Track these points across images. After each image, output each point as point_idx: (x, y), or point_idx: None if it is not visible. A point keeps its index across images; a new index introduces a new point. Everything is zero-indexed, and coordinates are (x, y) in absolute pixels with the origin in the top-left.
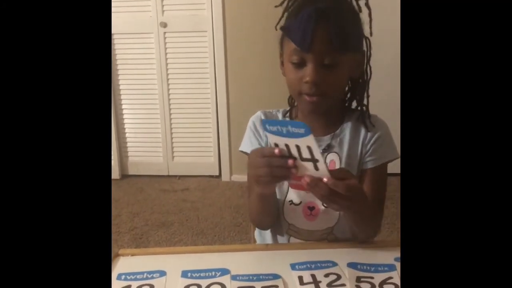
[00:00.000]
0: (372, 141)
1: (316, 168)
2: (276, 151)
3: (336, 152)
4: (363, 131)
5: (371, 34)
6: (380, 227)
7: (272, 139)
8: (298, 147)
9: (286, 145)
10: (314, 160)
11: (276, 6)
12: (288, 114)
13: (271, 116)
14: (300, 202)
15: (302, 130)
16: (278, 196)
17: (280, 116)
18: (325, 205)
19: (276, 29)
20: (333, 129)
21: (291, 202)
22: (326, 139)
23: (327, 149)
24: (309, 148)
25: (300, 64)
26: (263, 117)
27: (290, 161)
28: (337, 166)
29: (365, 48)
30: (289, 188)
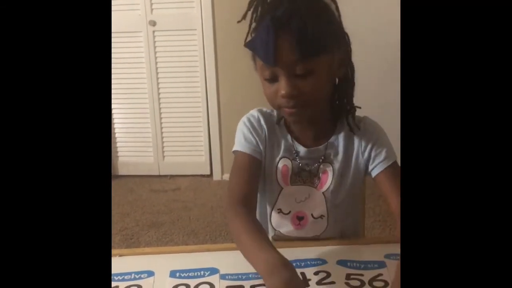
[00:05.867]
0: (369, 147)
1: None
2: None
3: (329, 163)
4: (357, 138)
5: None
6: None
7: None
8: None
9: None
10: None
11: (238, 22)
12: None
13: (267, 116)
14: (289, 212)
15: None
16: (267, 205)
17: (275, 115)
18: (314, 215)
19: (245, 45)
20: (326, 138)
21: (279, 210)
22: (321, 150)
23: (322, 160)
24: None
25: (273, 79)
26: (260, 116)
27: None
28: (330, 177)
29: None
30: (279, 196)
